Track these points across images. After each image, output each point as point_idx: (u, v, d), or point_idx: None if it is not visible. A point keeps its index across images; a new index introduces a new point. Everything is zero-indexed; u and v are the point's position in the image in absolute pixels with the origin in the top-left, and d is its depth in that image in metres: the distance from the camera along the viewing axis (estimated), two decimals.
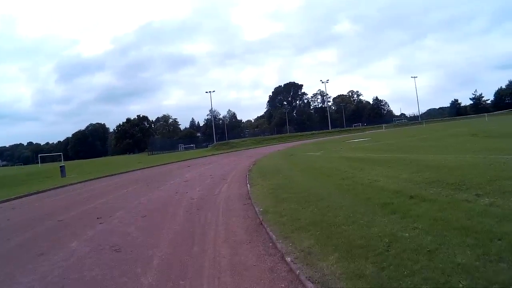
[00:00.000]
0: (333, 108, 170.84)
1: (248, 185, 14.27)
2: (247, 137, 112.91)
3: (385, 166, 13.65)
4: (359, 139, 42.47)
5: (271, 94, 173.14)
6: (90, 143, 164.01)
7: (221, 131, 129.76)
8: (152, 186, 18.38)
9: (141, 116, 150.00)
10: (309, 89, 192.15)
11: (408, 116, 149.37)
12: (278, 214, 8.37)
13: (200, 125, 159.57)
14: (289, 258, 5.46)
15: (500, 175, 8.95)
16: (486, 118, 62.88)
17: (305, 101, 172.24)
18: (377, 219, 6.59)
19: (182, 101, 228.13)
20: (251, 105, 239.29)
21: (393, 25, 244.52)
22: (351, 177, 12.23)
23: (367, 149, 25.97)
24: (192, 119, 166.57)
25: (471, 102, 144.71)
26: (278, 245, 6.23)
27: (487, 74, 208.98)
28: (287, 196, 10.49)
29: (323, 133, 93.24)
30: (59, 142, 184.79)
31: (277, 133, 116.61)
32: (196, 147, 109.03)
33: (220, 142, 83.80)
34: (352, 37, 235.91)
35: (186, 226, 9.01)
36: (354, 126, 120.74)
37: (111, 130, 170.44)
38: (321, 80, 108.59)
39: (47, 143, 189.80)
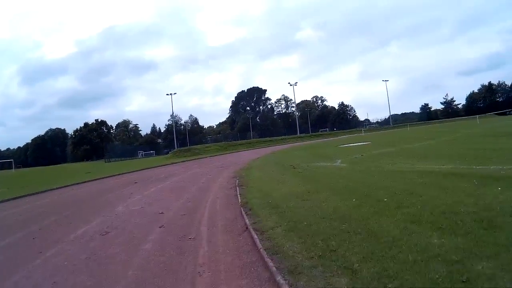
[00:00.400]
0: (297, 113, 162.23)
1: None
2: (209, 143, 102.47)
3: None
4: (357, 143, 33.54)
5: (234, 99, 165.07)
6: (49, 149, 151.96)
7: (182, 137, 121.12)
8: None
9: (99, 120, 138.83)
10: (273, 95, 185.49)
11: (373, 121, 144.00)
12: None
13: (162, 131, 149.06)
14: None
15: None
16: (477, 120, 57.13)
17: (269, 106, 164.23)
18: None
19: (144, 107, 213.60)
20: (213, 111, 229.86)
21: (357, 31, 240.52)
22: None
23: (403, 155, 17.49)
24: (154, 125, 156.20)
25: (442, 107, 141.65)
26: None
27: (451, 80, 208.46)
28: None
29: (293, 138, 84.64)
30: (19, 148, 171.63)
31: (240, 139, 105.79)
32: (157, 154, 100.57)
33: (181, 148, 73.41)
34: (315, 43, 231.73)
35: None
36: (321, 131, 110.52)
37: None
38: (289, 83, 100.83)
39: (8, 149, 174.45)
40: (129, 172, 33.42)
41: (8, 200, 19.95)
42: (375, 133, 70.21)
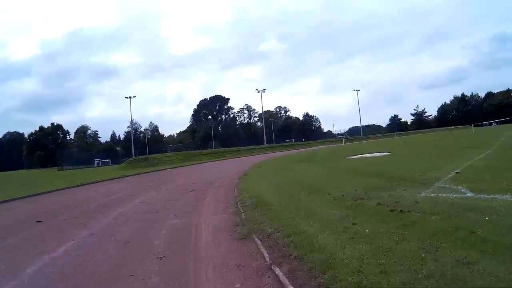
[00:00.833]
0: (260, 123, 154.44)
1: None
2: (170, 152, 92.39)
3: None
4: (371, 154, 24.01)
5: (196, 107, 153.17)
6: (7, 154, 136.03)
7: (142, 145, 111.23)
8: None
9: (55, 124, 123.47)
10: (235, 105, 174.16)
11: (335, 132, 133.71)
12: None
13: (121, 139, 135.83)
14: None
15: None
16: (472, 129, 49.50)
17: (231, 115, 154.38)
18: None
19: (106, 114, 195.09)
20: (174, 120, 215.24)
21: (321, 44, 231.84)
22: None
23: None
24: (113, 132, 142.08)
25: (413, 118, 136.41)
26: None
27: (414, 93, 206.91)
28: None
29: (264, 148, 75.09)
30: None
31: (202, 148, 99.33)
32: (114, 162, 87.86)
33: (137, 157, 61.97)
34: (279, 55, 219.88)
35: None
36: (286, 142, 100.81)
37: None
38: (256, 89, 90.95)
39: None
40: (54, 191, 22.16)
41: None
42: (353, 144, 60.84)
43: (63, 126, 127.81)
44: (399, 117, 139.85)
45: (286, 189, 12.35)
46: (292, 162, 26.26)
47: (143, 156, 61.08)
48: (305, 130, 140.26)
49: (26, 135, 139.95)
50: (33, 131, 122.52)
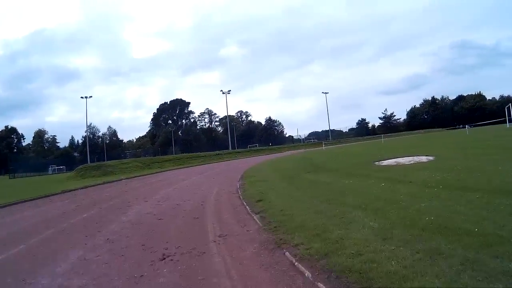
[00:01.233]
0: (220, 129, 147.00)
1: None
2: (129, 158, 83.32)
3: None
4: (405, 158, 16.92)
5: (155, 112, 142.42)
6: None
7: (100, 151, 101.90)
8: None
9: (9, 127, 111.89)
10: (195, 110, 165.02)
11: (297, 137, 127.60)
12: None
13: (80, 144, 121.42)
14: None
15: None
16: (466, 131, 44.18)
17: (192, 120, 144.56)
18: None
19: (65, 118, 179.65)
20: (134, 125, 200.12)
21: (280, 50, 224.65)
22: None
23: None
24: (72, 137, 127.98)
25: (381, 121, 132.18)
26: None
27: (373, 99, 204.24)
28: None
29: (230, 153, 66.38)
30: None
31: (162, 154, 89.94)
32: (71, 169, 72.16)
33: (89, 164, 50.74)
34: (239, 60, 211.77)
35: None
36: (250, 147, 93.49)
37: None
38: (221, 90, 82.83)
39: None
40: None
41: None
42: (341, 146, 50.14)
43: (21, 131, 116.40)
44: (366, 121, 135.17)
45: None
46: (302, 171, 18.50)
47: (96, 163, 50.91)
48: (268, 134, 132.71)
49: None
50: None
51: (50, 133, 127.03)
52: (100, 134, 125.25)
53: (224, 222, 9.12)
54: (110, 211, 12.86)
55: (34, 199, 19.90)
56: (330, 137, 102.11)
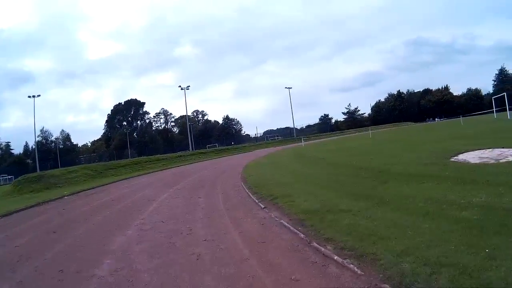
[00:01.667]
0: (175, 130, 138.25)
1: None
2: (82, 163, 76.22)
3: None
4: (485, 151, 11.30)
5: (110, 113, 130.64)
6: None
7: (53, 157, 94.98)
8: None
9: None
10: (150, 111, 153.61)
11: (252, 136, 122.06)
12: None
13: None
14: None
15: None
16: (461, 122, 39.70)
17: (147, 121, 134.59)
18: None
19: (21, 124, 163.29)
20: (89, 129, 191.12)
21: (234, 50, 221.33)
22: None
23: None
24: (26, 143, 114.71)
25: (345, 117, 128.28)
26: None
27: (327, 96, 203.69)
28: None
29: (194, 154, 57.15)
30: None
31: (117, 158, 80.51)
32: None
33: (31, 174, 37.78)
34: (193, 60, 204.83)
35: None
36: (208, 147, 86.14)
37: None
38: (179, 86, 74.72)
39: None
40: None
41: None
42: (319, 142, 41.64)
43: None
44: (329, 117, 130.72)
45: None
46: (367, 181, 10.35)
47: (37, 174, 38.88)
48: (226, 133, 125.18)
49: None
50: None
51: (3, 139, 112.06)
52: (53, 138, 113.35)
53: None
54: None
55: None
56: (294, 134, 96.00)
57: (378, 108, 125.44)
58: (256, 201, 11.50)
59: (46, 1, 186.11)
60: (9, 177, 74.69)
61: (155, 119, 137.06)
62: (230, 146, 73.25)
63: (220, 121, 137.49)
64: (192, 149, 74.10)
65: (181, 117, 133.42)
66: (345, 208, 7.86)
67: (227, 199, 12.79)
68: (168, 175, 29.94)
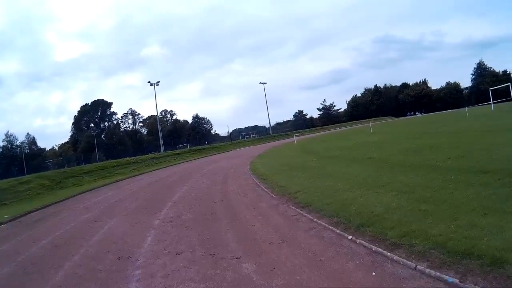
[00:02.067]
0: (144, 131, 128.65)
1: None
2: (50, 169, 67.63)
3: None
4: None
5: (76, 115, 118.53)
6: None
7: (19, 162, 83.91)
8: None
9: None
10: (118, 111, 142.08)
11: (223, 135, 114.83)
12: None
13: None
14: None
15: None
16: (466, 112, 35.90)
17: (115, 122, 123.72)
18: None
19: None
20: (56, 132, 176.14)
21: (201, 49, 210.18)
22: None
23: None
24: None
25: (320, 113, 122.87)
26: None
27: (294, 94, 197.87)
28: None
29: (168, 155, 48.66)
30: None
31: (85, 162, 72.05)
32: None
33: None
34: (160, 60, 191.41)
35: None
36: (179, 147, 78.36)
37: None
38: (149, 81, 67.30)
39: None
40: None
41: None
42: (312, 137, 36.81)
43: None
44: (304, 113, 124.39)
45: None
46: None
47: None
48: (196, 133, 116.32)
49: None
50: None
51: None
52: (18, 143, 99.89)
53: None
54: None
55: None
56: (270, 132, 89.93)
57: (354, 103, 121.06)
58: None
59: (12, 1, 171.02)
60: None
61: (122, 120, 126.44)
62: (207, 146, 64.58)
63: (190, 121, 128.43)
64: (163, 150, 66.62)
65: (150, 117, 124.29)
66: None
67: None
68: (144, 186, 22.04)
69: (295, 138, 44.15)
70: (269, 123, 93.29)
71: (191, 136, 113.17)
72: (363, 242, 5.65)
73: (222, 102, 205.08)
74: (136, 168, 38.29)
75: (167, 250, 7.34)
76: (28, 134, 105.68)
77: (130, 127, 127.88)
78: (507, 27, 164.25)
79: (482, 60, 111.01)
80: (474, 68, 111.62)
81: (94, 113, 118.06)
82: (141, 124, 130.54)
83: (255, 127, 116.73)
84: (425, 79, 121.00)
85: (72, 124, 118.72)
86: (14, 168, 79.97)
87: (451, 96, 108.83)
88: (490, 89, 45.57)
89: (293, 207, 9.17)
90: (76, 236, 10.34)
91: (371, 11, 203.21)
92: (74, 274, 6.76)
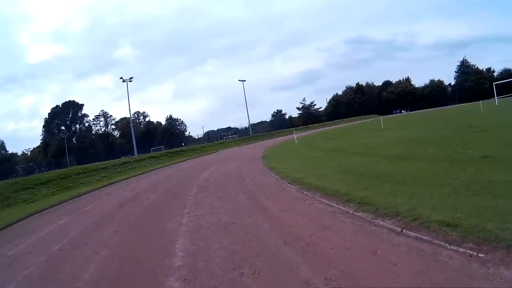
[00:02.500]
0: (116, 133, 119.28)
1: None
2: (21, 175, 62.63)
3: None
4: None
5: (47, 117, 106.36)
6: None
7: None
8: None
9: None
10: (90, 114, 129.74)
11: (196, 137, 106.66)
12: None
13: None
14: None
15: None
16: (481, 107, 31.83)
17: (86, 124, 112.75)
18: None
19: None
20: (29, 136, 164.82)
21: (174, 50, 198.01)
22: None
23: None
24: None
25: (300, 112, 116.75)
26: None
27: (267, 95, 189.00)
28: None
29: (143, 160, 39.50)
30: None
31: (55, 167, 63.89)
32: None
33: None
34: (132, 62, 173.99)
35: None
36: (153, 150, 70.11)
37: None
38: (121, 78, 59.70)
39: None
40: None
41: None
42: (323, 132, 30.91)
43: None
44: (283, 112, 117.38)
45: None
46: None
47: None
48: (170, 134, 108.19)
49: None
50: None
51: None
52: None
53: None
54: None
55: None
56: (250, 132, 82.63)
57: (336, 102, 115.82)
58: None
59: None
60: None
61: (94, 122, 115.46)
62: (186, 148, 55.87)
63: (163, 122, 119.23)
64: (136, 154, 58.76)
65: (122, 119, 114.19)
66: None
67: None
68: (114, 210, 13.73)
69: (295, 135, 37.85)
70: (249, 122, 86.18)
71: (165, 138, 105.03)
72: None
73: (195, 104, 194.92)
74: (105, 175, 30.26)
75: None
76: None
77: (102, 130, 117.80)
78: (480, 28, 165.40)
79: (466, 58, 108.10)
80: (458, 65, 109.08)
81: (65, 115, 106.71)
82: (113, 127, 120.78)
83: (229, 128, 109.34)
84: (408, 76, 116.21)
85: (43, 127, 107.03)
86: None
87: (435, 94, 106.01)
88: (494, 83, 42.44)
89: None
90: None
91: (344, 12, 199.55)
92: None
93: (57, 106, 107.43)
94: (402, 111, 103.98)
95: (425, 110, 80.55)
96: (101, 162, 34.78)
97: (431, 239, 5.14)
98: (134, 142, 59.90)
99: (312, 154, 20.65)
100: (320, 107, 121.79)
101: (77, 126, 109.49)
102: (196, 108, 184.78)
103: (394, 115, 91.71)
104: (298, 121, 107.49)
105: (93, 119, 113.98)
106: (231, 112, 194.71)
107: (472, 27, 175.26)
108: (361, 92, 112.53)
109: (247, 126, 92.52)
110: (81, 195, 21.05)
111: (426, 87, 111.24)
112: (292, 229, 7.08)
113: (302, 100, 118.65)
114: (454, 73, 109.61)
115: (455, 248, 4.73)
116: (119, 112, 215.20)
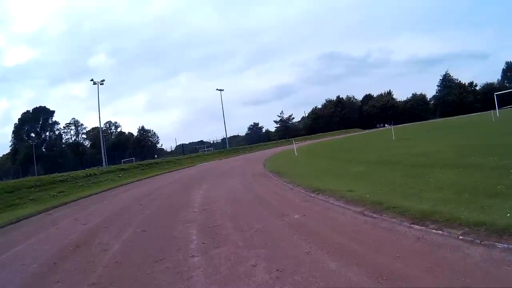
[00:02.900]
0: (86, 143, 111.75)
1: None
2: None
3: None
4: None
5: (17, 123, 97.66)
6: None
7: None
8: None
9: None
10: (61, 121, 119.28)
11: (167, 150, 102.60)
12: None
13: None
14: None
15: None
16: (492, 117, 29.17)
17: (57, 132, 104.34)
18: None
19: None
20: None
21: (147, 61, 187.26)
22: None
23: None
24: None
25: (277, 126, 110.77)
26: None
27: (241, 109, 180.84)
28: None
29: (112, 172, 33.24)
30: None
31: (22, 175, 59.72)
32: None
33: None
34: (107, 70, 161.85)
35: None
36: (124, 162, 62.83)
37: None
38: (91, 80, 53.81)
39: None
40: None
41: None
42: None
43: None
44: (260, 126, 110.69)
45: None
46: None
47: None
48: (142, 146, 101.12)
49: None
50: None
51: None
52: None
53: None
54: None
55: None
56: (227, 145, 77.28)
57: (315, 115, 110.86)
58: None
59: None
60: None
61: (65, 131, 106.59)
62: (159, 160, 49.29)
63: (135, 133, 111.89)
64: (105, 164, 52.76)
65: (93, 129, 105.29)
66: None
67: None
68: (55, 252, 8.19)
69: (294, 146, 33.31)
70: (226, 135, 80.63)
71: (137, 149, 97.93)
72: None
73: (168, 116, 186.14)
74: (63, 190, 24.34)
75: None
76: None
77: (73, 139, 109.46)
78: (453, 44, 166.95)
79: (448, 72, 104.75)
80: (440, 79, 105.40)
81: (35, 122, 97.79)
82: (84, 136, 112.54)
83: (201, 142, 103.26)
84: (390, 90, 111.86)
85: (13, 133, 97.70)
86: None
87: (418, 107, 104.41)
88: (495, 93, 44.34)
89: None
90: None
91: (318, 28, 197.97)
92: None
93: (27, 111, 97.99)
94: (386, 125, 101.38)
95: (411, 123, 77.44)
96: (60, 174, 28.68)
97: None
98: (103, 152, 53.54)
99: (357, 169, 13.66)
100: (298, 120, 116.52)
101: (47, 133, 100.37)
102: (169, 120, 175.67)
103: (375, 129, 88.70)
104: (276, 134, 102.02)
105: (63, 127, 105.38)
106: (204, 126, 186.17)
107: (446, 44, 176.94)
108: (341, 106, 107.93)
109: (219, 140, 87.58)
110: (29, 216, 15.57)
111: (408, 101, 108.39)
112: None
113: (280, 113, 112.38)
114: (437, 87, 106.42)
115: None
116: (91, 121, 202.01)
